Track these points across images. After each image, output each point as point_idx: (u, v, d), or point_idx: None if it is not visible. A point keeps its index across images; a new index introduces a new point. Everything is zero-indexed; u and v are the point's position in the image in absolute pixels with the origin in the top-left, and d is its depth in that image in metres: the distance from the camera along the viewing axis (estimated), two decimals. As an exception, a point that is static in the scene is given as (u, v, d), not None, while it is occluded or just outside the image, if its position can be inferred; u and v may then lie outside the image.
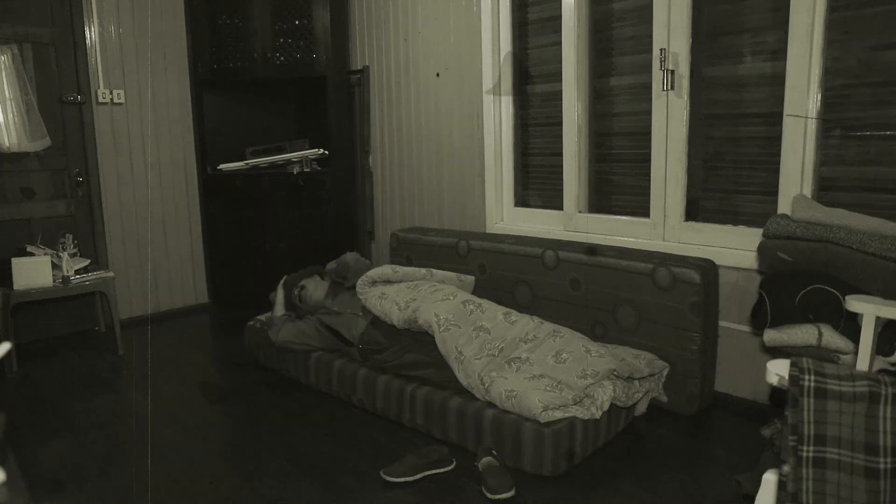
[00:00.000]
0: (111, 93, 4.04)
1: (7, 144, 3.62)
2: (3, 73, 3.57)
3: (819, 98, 2.45)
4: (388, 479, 2.21)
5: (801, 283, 2.00)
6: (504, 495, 2.08)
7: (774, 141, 2.59)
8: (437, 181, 3.93)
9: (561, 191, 3.37)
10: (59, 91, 3.85)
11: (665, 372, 2.62)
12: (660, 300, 2.64)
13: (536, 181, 3.60)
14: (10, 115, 3.61)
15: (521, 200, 3.66)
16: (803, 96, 2.45)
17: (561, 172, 3.35)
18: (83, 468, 2.39)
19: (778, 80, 2.55)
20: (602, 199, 3.32)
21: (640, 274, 2.69)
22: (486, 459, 2.20)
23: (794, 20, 2.44)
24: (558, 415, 2.23)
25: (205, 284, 4.63)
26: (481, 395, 2.42)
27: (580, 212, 3.31)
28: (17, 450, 2.48)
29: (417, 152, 4.01)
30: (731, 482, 2.13)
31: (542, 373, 2.40)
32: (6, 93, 3.59)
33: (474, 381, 2.44)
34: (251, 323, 3.45)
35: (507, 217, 3.67)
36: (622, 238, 3.08)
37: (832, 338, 1.94)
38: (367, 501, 2.12)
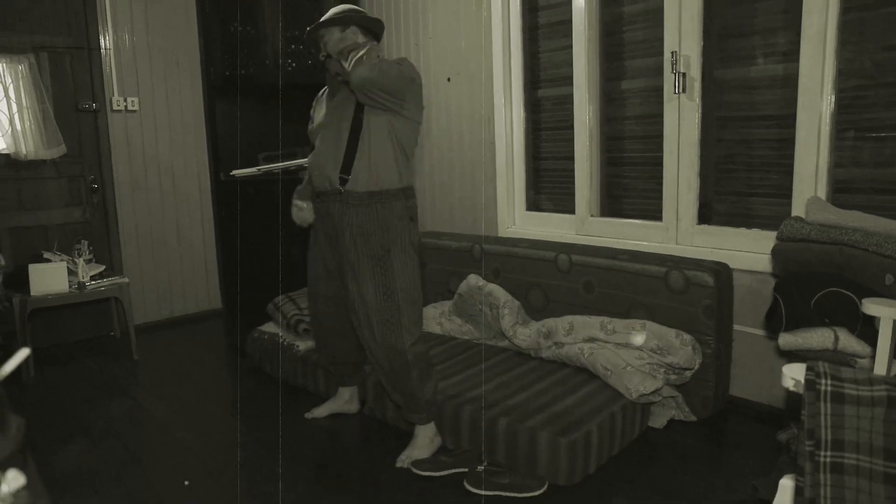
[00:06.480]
0: (125, 100, 4.08)
1: (24, 152, 3.66)
2: (20, 82, 3.62)
3: (833, 99, 2.43)
4: (416, 471, 2.28)
5: (817, 286, 1.98)
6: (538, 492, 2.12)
7: (788, 143, 2.57)
8: (448, 185, 3.93)
9: (573, 195, 3.36)
10: (74, 99, 3.90)
11: (680, 399, 2.61)
12: (673, 303, 2.63)
13: (548, 185, 3.59)
14: (27, 123, 3.66)
15: (533, 204, 3.65)
16: (816, 98, 2.44)
17: (572, 176, 3.34)
18: (99, 472, 2.41)
19: (790, 82, 2.53)
20: (614, 202, 3.31)
21: (653, 277, 2.68)
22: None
23: (807, 21, 2.43)
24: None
25: (218, 290, 4.66)
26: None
27: (592, 215, 3.31)
28: (35, 454, 2.51)
29: (429, 157, 4.02)
30: (747, 487, 2.11)
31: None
32: (23, 101, 3.63)
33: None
34: (254, 334, 3.46)
35: (518, 221, 3.66)
36: (635, 241, 3.07)
37: (848, 341, 1.92)
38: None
